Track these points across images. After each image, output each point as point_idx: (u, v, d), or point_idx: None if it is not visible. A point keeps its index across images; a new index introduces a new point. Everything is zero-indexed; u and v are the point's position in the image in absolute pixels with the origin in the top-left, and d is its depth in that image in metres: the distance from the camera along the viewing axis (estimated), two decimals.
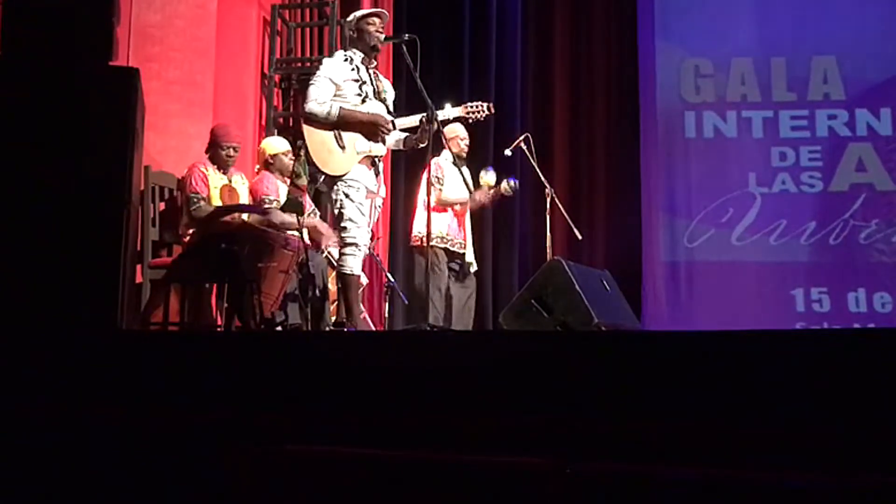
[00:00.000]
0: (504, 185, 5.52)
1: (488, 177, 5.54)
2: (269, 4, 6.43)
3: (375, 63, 4.49)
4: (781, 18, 6.97)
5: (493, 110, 4.68)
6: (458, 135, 5.43)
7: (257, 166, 5.27)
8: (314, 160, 4.25)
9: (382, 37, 4.45)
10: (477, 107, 4.62)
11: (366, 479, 2.27)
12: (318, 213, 5.40)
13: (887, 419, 2.08)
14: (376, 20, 4.41)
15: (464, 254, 5.46)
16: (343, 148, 4.25)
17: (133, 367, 2.68)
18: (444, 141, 4.87)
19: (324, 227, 5.17)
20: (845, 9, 6.90)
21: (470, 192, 4.94)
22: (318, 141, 4.25)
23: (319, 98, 4.25)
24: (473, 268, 5.54)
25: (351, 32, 4.46)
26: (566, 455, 2.19)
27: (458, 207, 5.45)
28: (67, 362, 2.66)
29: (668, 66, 7.14)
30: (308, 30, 6.78)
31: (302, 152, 4.58)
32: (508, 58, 7.27)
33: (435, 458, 2.25)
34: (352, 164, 4.26)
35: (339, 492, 2.26)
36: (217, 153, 4.84)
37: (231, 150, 4.86)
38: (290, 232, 4.73)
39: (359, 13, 4.47)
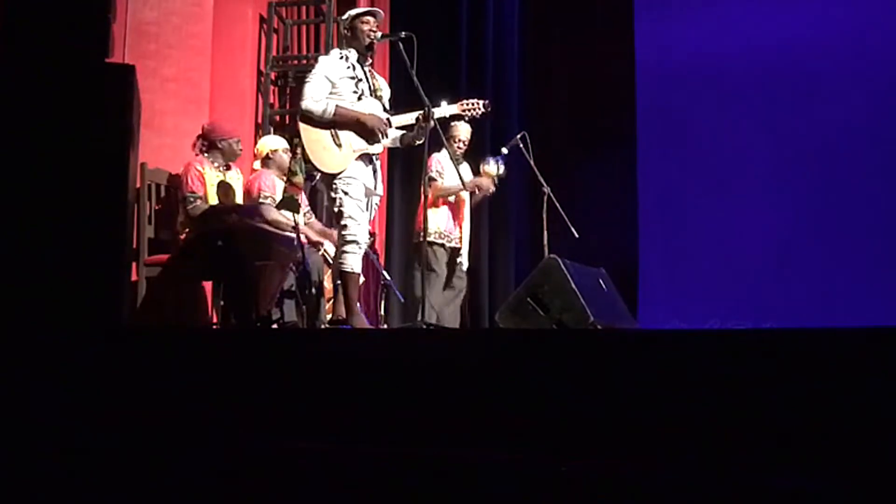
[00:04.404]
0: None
1: (489, 167, 5.53)
2: (266, 2, 6.41)
3: (371, 61, 4.49)
4: (782, 16, 6.96)
5: (489, 108, 4.68)
6: (456, 135, 5.43)
7: (257, 163, 5.26)
8: (310, 158, 4.24)
9: (379, 35, 4.44)
10: (473, 104, 4.64)
11: (362, 478, 2.27)
12: (314, 215, 5.39)
13: (887, 418, 2.08)
14: (370, 19, 4.39)
15: (458, 248, 5.46)
16: (339, 146, 4.24)
17: (129, 365, 2.67)
18: (443, 138, 4.86)
19: (317, 230, 5.16)
20: (846, 4, 6.88)
21: (464, 185, 4.98)
22: (314, 139, 4.24)
23: (315, 96, 4.24)
24: (464, 265, 5.52)
25: (345, 31, 4.44)
26: (561, 453, 2.19)
27: (452, 199, 5.45)
28: (68, 361, 2.66)
29: (668, 64, 7.14)
30: (305, 27, 6.76)
31: (298, 150, 4.57)
32: (506, 55, 7.28)
33: (431, 456, 2.25)
34: (348, 161, 4.25)
35: (337, 490, 2.26)
36: (229, 147, 4.85)
37: (237, 142, 4.90)
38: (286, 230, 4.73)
39: (353, 12, 4.46)
